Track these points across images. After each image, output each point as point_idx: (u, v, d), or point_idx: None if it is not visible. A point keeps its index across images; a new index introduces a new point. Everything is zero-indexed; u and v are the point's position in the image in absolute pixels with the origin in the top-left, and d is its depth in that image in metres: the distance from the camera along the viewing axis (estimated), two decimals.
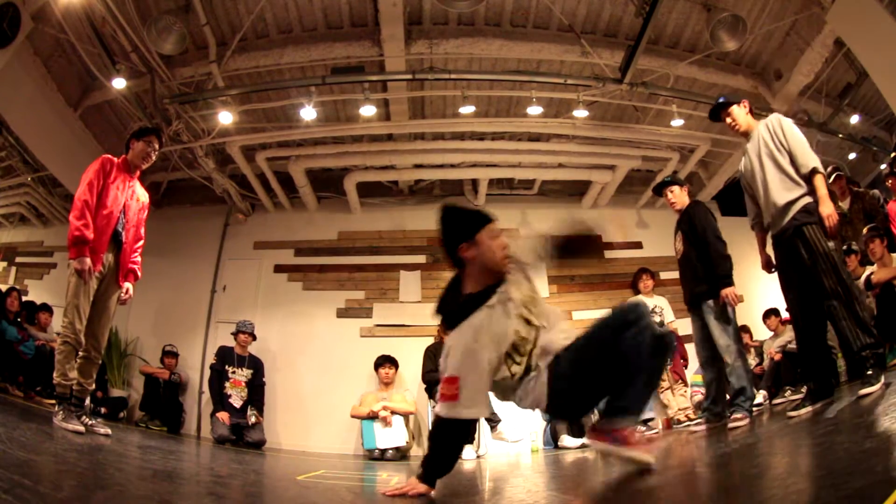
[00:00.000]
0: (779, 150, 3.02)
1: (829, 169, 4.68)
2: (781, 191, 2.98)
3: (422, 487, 1.87)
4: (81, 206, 3.07)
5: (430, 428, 1.94)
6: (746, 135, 3.27)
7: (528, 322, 1.92)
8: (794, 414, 2.82)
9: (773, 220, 3.07)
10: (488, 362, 1.84)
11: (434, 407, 1.78)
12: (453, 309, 1.97)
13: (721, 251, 3.63)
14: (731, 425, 3.31)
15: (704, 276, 3.64)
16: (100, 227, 3.13)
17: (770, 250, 3.25)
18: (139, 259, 3.43)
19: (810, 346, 2.98)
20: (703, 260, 3.66)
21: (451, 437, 1.89)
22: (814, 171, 2.90)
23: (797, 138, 3.00)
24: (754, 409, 3.82)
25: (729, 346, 3.53)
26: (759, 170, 3.12)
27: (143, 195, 3.48)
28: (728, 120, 3.30)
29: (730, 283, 3.56)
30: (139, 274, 3.43)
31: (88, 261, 3.04)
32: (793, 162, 2.97)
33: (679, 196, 3.97)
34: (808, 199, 2.94)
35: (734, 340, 3.55)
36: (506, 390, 1.97)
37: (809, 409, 2.82)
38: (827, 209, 2.83)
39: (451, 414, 1.83)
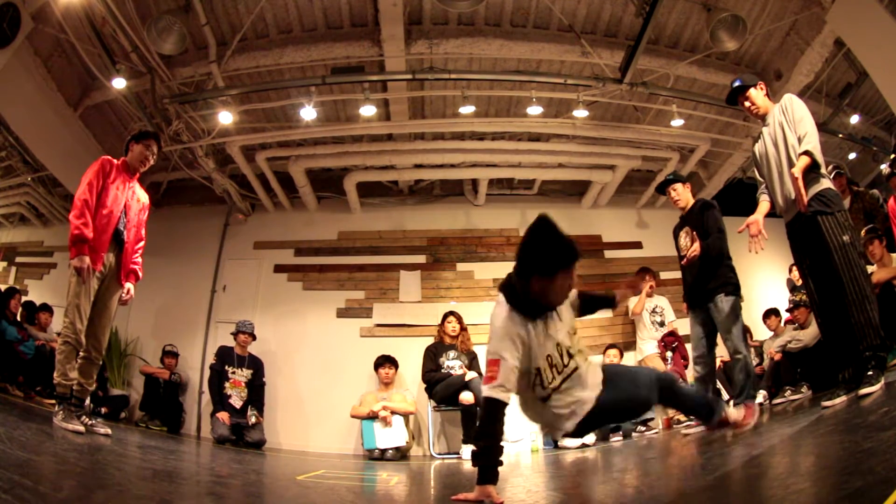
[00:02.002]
0: (792, 131, 2.93)
1: (830, 168, 4.67)
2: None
3: (492, 490, 1.82)
4: (81, 205, 3.08)
5: (479, 414, 1.99)
6: (764, 118, 3.15)
7: (563, 354, 1.97)
8: (828, 404, 2.72)
9: (787, 207, 2.99)
10: (512, 355, 1.90)
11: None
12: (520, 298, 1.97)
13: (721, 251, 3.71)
14: None
15: (715, 273, 3.65)
16: (100, 227, 3.14)
17: (762, 216, 3.11)
18: (140, 259, 3.44)
19: (837, 334, 2.86)
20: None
21: (496, 418, 1.89)
22: (804, 153, 2.81)
23: (804, 121, 2.91)
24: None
25: (739, 341, 3.55)
26: (773, 155, 3.03)
27: (143, 196, 3.50)
28: (747, 104, 3.17)
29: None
30: (140, 274, 3.43)
31: (88, 259, 3.04)
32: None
33: (683, 193, 4.01)
34: (821, 186, 2.86)
35: (743, 336, 3.60)
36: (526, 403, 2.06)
37: (844, 398, 2.71)
38: (795, 172, 2.76)
39: (490, 393, 1.87)
